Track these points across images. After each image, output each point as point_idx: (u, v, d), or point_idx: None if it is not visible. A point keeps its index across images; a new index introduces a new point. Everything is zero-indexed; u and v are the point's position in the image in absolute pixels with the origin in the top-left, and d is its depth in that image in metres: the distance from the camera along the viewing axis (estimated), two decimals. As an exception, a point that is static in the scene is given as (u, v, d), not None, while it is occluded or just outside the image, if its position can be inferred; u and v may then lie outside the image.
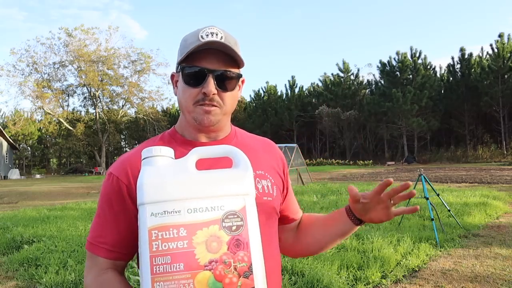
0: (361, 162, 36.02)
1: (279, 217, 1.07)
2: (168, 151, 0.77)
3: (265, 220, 0.94)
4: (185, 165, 0.75)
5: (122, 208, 0.87)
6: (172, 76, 0.98)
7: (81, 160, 53.60)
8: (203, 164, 0.80)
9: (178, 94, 0.95)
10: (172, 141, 0.97)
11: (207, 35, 0.87)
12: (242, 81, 1.01)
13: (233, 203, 0.71)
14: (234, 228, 0.69)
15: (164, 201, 0.70)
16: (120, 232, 0.88)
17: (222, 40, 0.87)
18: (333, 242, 1.08)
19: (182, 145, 0.93)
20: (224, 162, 0.80)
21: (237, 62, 0.92)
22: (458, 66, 38.06)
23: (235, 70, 0.92)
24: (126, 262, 0.92)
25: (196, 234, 0.68)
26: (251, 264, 0.68)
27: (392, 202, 0.93)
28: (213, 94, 0.89)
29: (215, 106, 0.90)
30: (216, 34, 0.88)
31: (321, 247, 1.10)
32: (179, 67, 0.93)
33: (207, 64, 0.89)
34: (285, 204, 1.09)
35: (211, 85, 0.88)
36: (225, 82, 0.90)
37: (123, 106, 41.71)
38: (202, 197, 0.71)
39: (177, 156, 0.78)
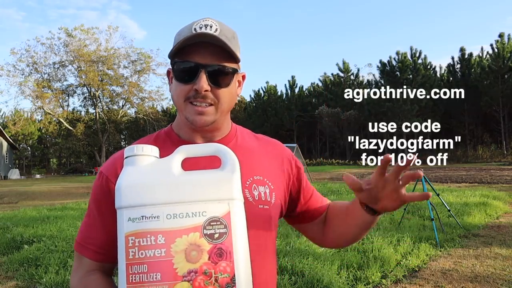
0: (361, 162, 35.99)
1: (307, 216, 1.03)
2: (152, 150, 0.72)
3: (259, 229, 0.88)
4: (169, 165, 0.69)
5: (111, 209, 0.79)
6: (169, 72, 0.91)
7: (81, 160, 53.54)
8: (198, 165, 0.76)
9: (171, 90, 0.89)
10: (167, 140, 0.92)
11: (201, 28, 0.82)
12: (243, 77, 0.94)
13: (216, 208, 0.65)
14: (216, 236, 0.64)
15: (142, 206, 0.65)
16: (107, 234, 0.83)
17: (216, 33, 0.81)
18: (358, 235, 0.97)
19: (177, 145, 0.86)
20: (220, 163, 0.75)
21: (233, 56, 0.84)
22: (458, 66, 38.05)
23: (231, 65, 0.85)
24: (113, 264, 0.88)
25: (175, 242, 0.63)
26: (234, 275, 0.63)
27: (400, 183, 0.80)
28: (206, 90, 0.82)
29: (209, 105, 0.84)
30: (211, 27, 0.82)
31: (348, 240, 1.01)
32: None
33: (200, 58, 0.82)
34: (306, 206, 1.03)
35: (203, 81, 0.81)
36: (219, 78, 0.83)
37: (123, 106, 41.64)
38: (183, 202, 0.65)
39: None
